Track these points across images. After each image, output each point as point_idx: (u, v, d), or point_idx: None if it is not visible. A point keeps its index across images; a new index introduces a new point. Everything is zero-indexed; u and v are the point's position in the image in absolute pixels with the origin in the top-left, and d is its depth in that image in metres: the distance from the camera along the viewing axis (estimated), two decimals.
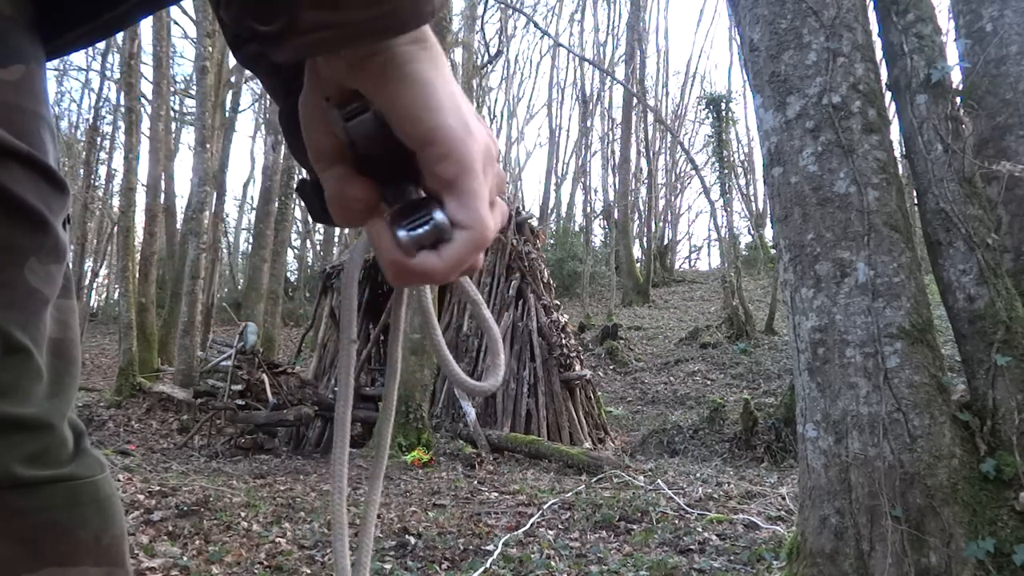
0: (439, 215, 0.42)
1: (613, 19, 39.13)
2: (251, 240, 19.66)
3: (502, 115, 32.25)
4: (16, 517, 0.42)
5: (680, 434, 8.41)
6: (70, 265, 0.50)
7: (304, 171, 0.49)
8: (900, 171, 2.83)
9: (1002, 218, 2.81)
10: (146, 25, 18.81)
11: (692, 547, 3.84)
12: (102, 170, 26.90)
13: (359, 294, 9.65)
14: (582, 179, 30.28)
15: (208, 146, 12.87)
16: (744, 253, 23.62)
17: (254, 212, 21.14)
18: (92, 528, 0.47)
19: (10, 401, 0.42)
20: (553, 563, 3.50)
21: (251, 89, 23.18)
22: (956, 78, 2.92)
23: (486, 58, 25.82)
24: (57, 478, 0.45)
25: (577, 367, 8.89)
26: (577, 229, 28.32)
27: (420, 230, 0.42)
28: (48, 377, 0.45)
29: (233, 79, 19.07)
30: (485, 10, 24.95)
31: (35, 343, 0.44)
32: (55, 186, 0.46)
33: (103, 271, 30.04)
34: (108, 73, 22.71)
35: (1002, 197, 2.81)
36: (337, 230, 24.63)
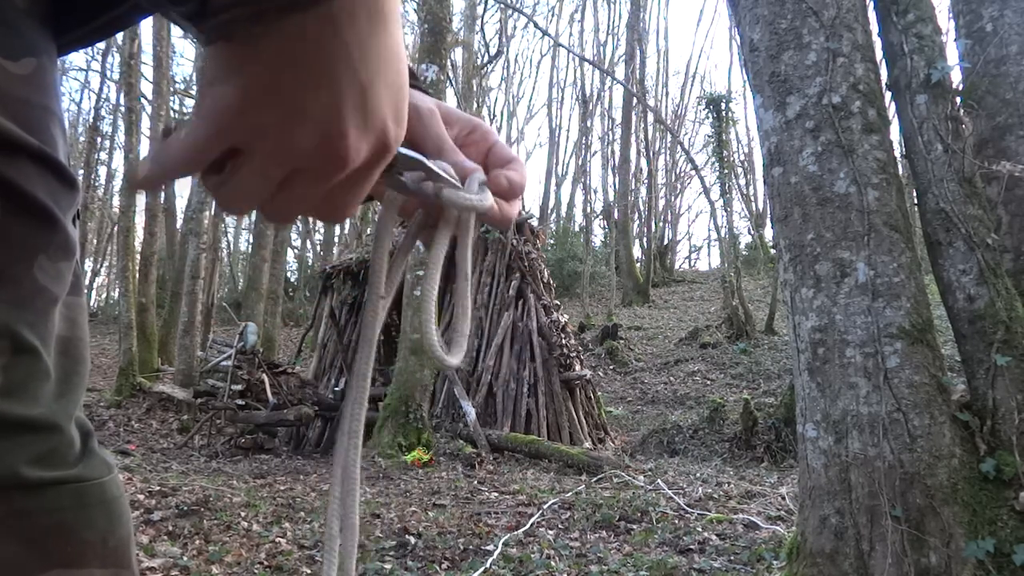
0: None
1: (613, 19, 39.20)
2: (251, 240, 19.66)
3: (502, 115, 32.31)
4: (23, 518, 0.42)
5: (680, 434, 8.42)
6: (79, 262, 0.49)
7: None
8: (900, 171, 2.83)
9: (1002, 218, 2.81)
10: (146, 25, 18.82)
11: (692, 547, 3.84)
12: (102, 170, 26.97)
13: (358, 295, 9.50)
14: (582, 179, 30.30)
15: None
16: (744, 253, 23.63)
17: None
18: (99, 529, 0.47)
19: (18, 402, 0.41)
20: (553, 563, 3.50)
21: None
22: (956, 78, 2.92)
23: (486, 58, 25.83)
24: (64, 479, 0.44)
25: (577, 367, 8.89)
26: (577, 229, 28.32)
27: None
28: (56, 376, 0.45)
29: None
30: (485, 10, 24.98)
31: (43, 342, 0.44)
32: (65, 182, 0.45)
33: (103, 271, 30.07)
34: (108, 73, 22.73)
35: (1002, 197, 2.82)
36: (337, 229, 24.60)
